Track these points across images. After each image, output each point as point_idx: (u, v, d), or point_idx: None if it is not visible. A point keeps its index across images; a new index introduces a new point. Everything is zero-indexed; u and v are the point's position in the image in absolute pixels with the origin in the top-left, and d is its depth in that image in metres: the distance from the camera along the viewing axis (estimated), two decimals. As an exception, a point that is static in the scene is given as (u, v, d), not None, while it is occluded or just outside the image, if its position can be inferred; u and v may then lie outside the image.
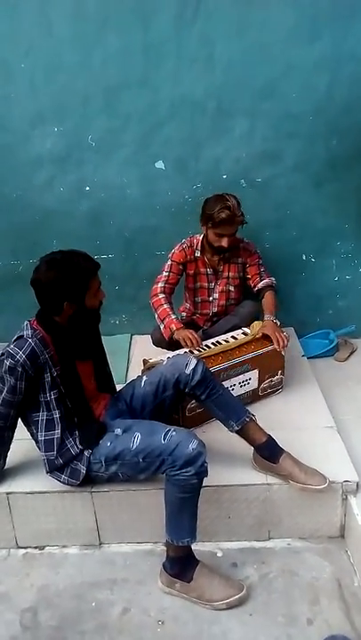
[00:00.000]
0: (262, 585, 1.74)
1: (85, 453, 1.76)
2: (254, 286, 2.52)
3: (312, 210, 2.82)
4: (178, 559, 1.69)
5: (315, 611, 1.64)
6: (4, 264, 3.02)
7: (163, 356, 2.23)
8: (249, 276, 2.53)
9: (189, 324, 2.59)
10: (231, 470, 1.90)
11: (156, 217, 2.87)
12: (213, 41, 2.51)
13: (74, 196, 2.86)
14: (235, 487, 1.86)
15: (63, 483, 1.82)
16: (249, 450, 1.91)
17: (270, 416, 2.14)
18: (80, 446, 1.76)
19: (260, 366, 2.24)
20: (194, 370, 1.81)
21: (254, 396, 2.30)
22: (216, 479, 1.78)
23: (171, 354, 2.25)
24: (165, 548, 1.74)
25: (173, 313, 2.39)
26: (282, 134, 2.67)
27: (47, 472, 1.82)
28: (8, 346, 1.69)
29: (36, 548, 1.94)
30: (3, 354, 1.68)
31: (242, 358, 2.19)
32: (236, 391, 2.20)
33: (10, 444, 1.86)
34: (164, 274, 2.49)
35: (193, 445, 1.61)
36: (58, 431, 1.76)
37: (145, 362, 2.20)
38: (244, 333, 2.38)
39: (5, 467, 1.92)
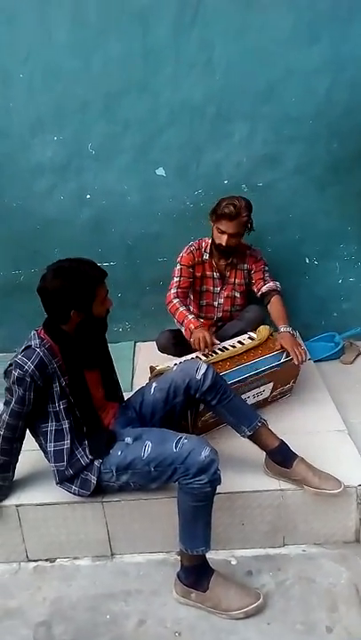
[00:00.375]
0: (279, 592, 1.71)
1: (96, 463, 1.73)
2: (258, 290, 2.51)
3: (314, 213, 2.81)
4: (193, 568, 1.67)
5: (333, 618, 1.61)
6: (4, 273, 3.00)
7: (170, 362, 2.21)
8: (253, 281, 2.52)
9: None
10: (243, 476, 1.87)
11: (157, 223, 2.87)
12: (212, 45, 2.52)
13: (75, 204, 2.85)
14: (247, 494, 1.83)
15: (74, 493, 1.79)
16: (260, 455, 1.89)
17: (280, 421, 2.13)
18: (90, 456, 1.73)
19: (275, 379, 2.21)
20: (204, 375, 1.79)
21: (264, 403, 2.28)
22: (228, 486, 1.76)
23: (178, 360, 2.23)
24: (179, 558, 1.72)
25: (190, 313, 2.37)
26: (282, 138, 2.67)
27: (57, 483, 1.79)
28: (16, 356, 1.67)
29: (46, 560, 1.91)
30: (11, 364, 1.66)
31: (257, 370, 2.12)
32: (249, 401, 2.16)
33: (18, 455, 1.83)
34: (175, 279, 2.48)
35: (205, 453, 1.59)
36: (67, 441, 1.73)
37: (152, 369, 2.18)
38: (251, 338, 2.36)
39: (14, 478, 1.89)
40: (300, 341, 2.76)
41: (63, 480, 1.77)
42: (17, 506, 1.86)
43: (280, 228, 2.85)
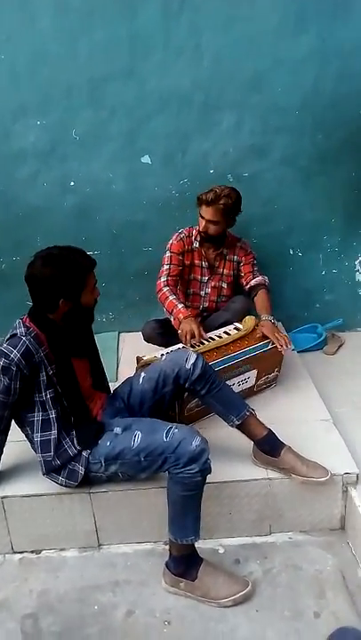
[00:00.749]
0: (266, 580, 1.72)
1: (84, 454, 1.71)
2: (246, 284, 2.51)
3: (299, 204, 2.82)
4: (182, 558, 1.67)
5: (321, 604, 1.63)
6: (-15, 262, 2.93)
7: (157, 352, 2.19)
8: (242, 274, 2.52)
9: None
10: (231, 466, 1.88)
11: (142, 212, 2.83)
12: (200, 32, 2.48)
13: (58, 192, 2.79)
14: (235, 483, 1.84)
15: (60, 484, 1.76)
16: (248, 445, 1.90)
17: (266, 411, 2.12)
18: (78, 447, 1.71)
19: (259, 366, 2.23)
20: (194, 364, 1.79)
21: (250, 392, 2.29)
22: (217, 475, 1.75)
23: (165, 350, 2.22)
24: (167, 548, 1.72)
25: (180, 302, 2.35)
26: (269, 128, 2.66)
27: (44, 474, 1.76)
28: (1, 345, 1.63)
29: (32, 552, 1.89)
30: (-4, 353, 1.62)
31: (240, 357, 2.15)
32: (234, 389, 2.17)
33: (3, 446, 1.79)
34: (165, 267, 2.45)
35: (196, 442, 1.58)
36: (54, 431, 1.70)
37: (139, 359, 2.16)
38: (237, 329, 2.36)
39: (-1, 470, 1.86)
40: (283, 330, 2.78)
41: (50, 470, 1.74)
42: (2, 497, 1.82)
43: (265, 219, 2.85)
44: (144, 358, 2.14)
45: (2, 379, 1.61)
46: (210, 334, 2.33)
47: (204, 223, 2.35)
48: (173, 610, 1.64)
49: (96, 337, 1.93)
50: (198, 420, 2.13)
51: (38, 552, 1.88)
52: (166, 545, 1.75)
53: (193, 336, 2.19)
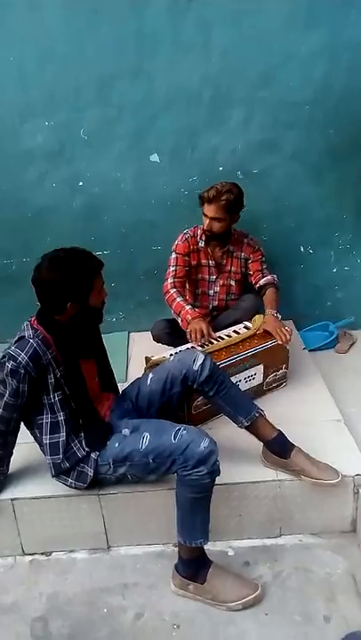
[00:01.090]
0: (276, 583, 1.71)
1: (92, 455, 1.71)
2: (256, 283, 2.48)
3: (310, 200, 2.78)
4: (191, 561, 1.66)
5: (331, 608, 1.61)
6: (-4, 263, 2.95)
7: (166, 352, 2.18)
8: (251, 272, 2.49)
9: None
10: (240, 467, 1.86)
11: (151, 211, 2.82)
12: (209, 28, 2.45)
13: (67, 192, 2.79)
14: (245, 484, 1.82)
15: (70, 486, 1.77)
16: (257, 446, 1.87)
17: (276, 411, 2.09)
18: (87, 448, 1.71)
19: (264, 361, 2.21)
20: (202, 365, 1.77)
21: (259, 391, 2.27)
22: (226, 477, 1.73)
23: (173, 350, 2.21)
24: (176, 550, 1.71)
25: (188, 304, 2.34)
26: (279, 124, 2.62)
27: (53, 476, 1.76)
28: (9, 347, 1.63)
29: (42, 554, 1.89)
30: (4, 356, 1.62)
31: (246, 354, 2.15)
32: (242, 387, 2.16)
33: (13, 448, 1.80)
34: (171, 268, 2.44)
35: (205, 444, 1.57)
36: (63, 434, 1.70)
37: (147, 359, 2.15)
38: (246, 327, 2.34)
39: (9, 472, 1.86)
40: (293, 328, 2.75)
41: (59, 473, 1.74)
42: (12, 499, 1.83)
43: (276, 216, 2.81)
44: (153, 358, 2.13)
45: (10, 381, 1.61)
46: (219, 333, 2.32)
47: (208, 221, 2.33)
48: (182, 613, 1.63)
49: (106, 337, 1.92)
50: (207, 420, 2.11)
51: (48, 554, 1.89)
52: (176, 547, 1.74)
53: (202, 335, 2.17)
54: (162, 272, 2.50)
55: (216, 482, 1.63)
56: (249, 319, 2.38)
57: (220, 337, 2.28)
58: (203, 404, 2.05)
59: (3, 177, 2.77)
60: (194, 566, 1.65)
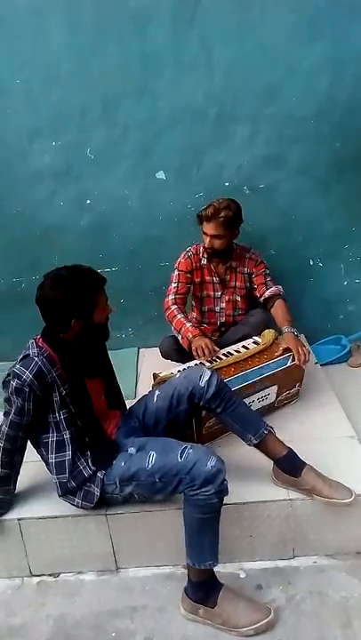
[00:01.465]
0: (290, 607, 1.65)
1: (99, 474, 1.68)
2: (261, 296, 2.45)
3: (318, 214, 2.76)
4: (200, 583, 1.61)
5: (348, 635, 1.55)
6: (5, 281, 2.98)
7: (173, 369, 2.16)
8: (255, 286, 2.47)
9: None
10: (250, 486, 1.81)
11: (158, 228, 2.83)
12: (212, 46, 2.48)
13: (75, 210, 2.82)
14: (255, 504, 1.77)
15: (77, 506, 1.74)
16: (268, 464, 1.83)
17: (287, 427, 2.07)
18: (93, 467, 1.68)
19: (280, 382, 2.17)
20: (208, 382, 1.74)
21: (270, 409, 2.23)
22: (235, 496, 1.70)
23: (182, 366, 2.18)
24: (186, 571, 1.66)
25: (188, 321, 2.33)
26: (284, 138, 2.62)
27: (59, 495, 1.74)
28: (14, 366, 1.62)
29: (50, 575, 1.86)
30: (9, 374, 1.62)
31: (262, 375, 2.09)
32: (254, 406, 2.11)
33: (19, 467, 1.78)
34: (173, 285, 2.44)
35: (212, 463, 1.53)
36: (69, 452, 1.68)
37: (155, 376, 2.13)
38: (255, 342, 2.30)
39: (15, 491, 1.84)
40: (305, 343, 2.70)
41: (65, 492, 1.72)
42: (19, 519, 1.81)
43: (283, 231, 2.80)
44: (160, 375, 2.11)
45: (15, 400, 1.60)
46: (228, 349, 2.29)
47: (208, 239, 2.33)
48: (192, 638, 1.58)
49: (115, 353, 1.92)
50: (217, 437, 2.08)
51: (56, 575, 1.86)
52: (185, 569, 1.69)
53: (209, 351, 2.15)
54: (169, 288, 2.49)
55: (226, 501, 1.60)
56: (258, 334, 2.34)
57: (228, 352, 2.25)
58: (214, 424, 2.01)
59: (12, 197, 2.81)
60: (204, 589, 1.61)
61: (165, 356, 2.51)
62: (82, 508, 1.74)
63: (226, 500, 1.59)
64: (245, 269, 2.48)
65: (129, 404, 1.98)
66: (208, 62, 2.51)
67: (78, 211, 2.81)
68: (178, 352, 2.44)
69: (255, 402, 2.12)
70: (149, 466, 1.60)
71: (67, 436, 1.68)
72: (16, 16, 2.48)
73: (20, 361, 1.62)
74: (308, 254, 2.86)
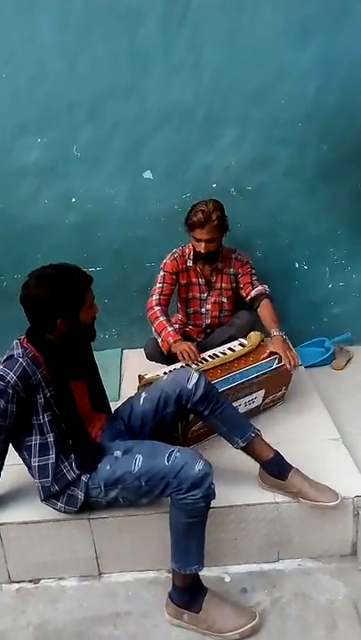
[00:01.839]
0: (275, 611, 1.64)
1: (83, 478, 1.65)
2: (247, 295, 2.45)
3: (304, 216, 2.77)
4: (185, 588, 1.59)
5: (333, 637, 1.54)
6: (-13, 280, 2.91)
7: (159, 370, 2.14)
8: (241, 286, 2.47)
9: (182, 336, 2.50)
10: (237, 489, 1.80)
11: (145, 228, 2.80)
12: (201, 47, 2.47)
13: (60, 208, 2.77)
14: (241, 507, 1.76)
15: (59, 510, 1.70)
16: (254, 467, 1.82)
17: (271, 430, 2.06)
18: (77, 471, 1.65)
19: (267, 386, 2.16)
20: (196, 384, 1.73)
21: (255, 411, 2.22)
22: (221, 499, 1.67)
23: (167, 368, 2.16)
24: (170, 576, 1.64)
25: (170, 325, 2.32)
26: (272, 141, 2.62)
27: (42, 500, 1.70)
28: (-2, 366, 1.58)
29: (30, 581, 1.82)
30: (-9, 375, 1.57)
31: (248, 377, 2.07)
32: (241, 410, 2.09)
33: (0, 470, 1.74)
34: (158, 285, 2.42)
35: (199, 466, 1.52)
36: (52, 455, 1.65)
37: (141, 378, 2.10)
38: (241, 344, 2.30)
39: (-4, 495, 1.80)
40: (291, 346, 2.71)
41: (48, 496, 1.68)
42: (-1, 524, 1.77)
43: (270, 232, 2.80)
44: (146, 377, 2.09)
45: (-2, 401, 1.56)
46: (214, 350, 2.28)
47: (203, 244, 2.31)
48: (177, 644, 1.56)
49: (98, 354, 1.88)
50: (202, 440, 2.06)
51: (37, 581, 1.82)
52: (169, 573, 1.67)
53: (194, 354, 2.13)
54: (155, 289, 2.47)
55: (212, 504, 1.58)
56: (244, 336, 2.34)
57: (214, 354, 2.24)
58: (200, 428, 2.00)
59: (-5, 193, 2.75)
60: (188, 594, 1.59)
61: (150, 357, 2.48)
62: (65, 512, 1.70)
63: (212, 503, 1.57)
64: (231, 270, 2.47)
65: (113, 405, 1.95)
66: (197, 63, 2.49)
67: (63, 209, 2.77)
68: (163, 354, 2.42)
69: (242, 405, 2.11)
70: (135, 469, 1.58)
71: (50, 438, 1.64)
72: (2, 10, 2.43)
73: (4, 362, 1.58)
74: (294, 257, 2.87)
